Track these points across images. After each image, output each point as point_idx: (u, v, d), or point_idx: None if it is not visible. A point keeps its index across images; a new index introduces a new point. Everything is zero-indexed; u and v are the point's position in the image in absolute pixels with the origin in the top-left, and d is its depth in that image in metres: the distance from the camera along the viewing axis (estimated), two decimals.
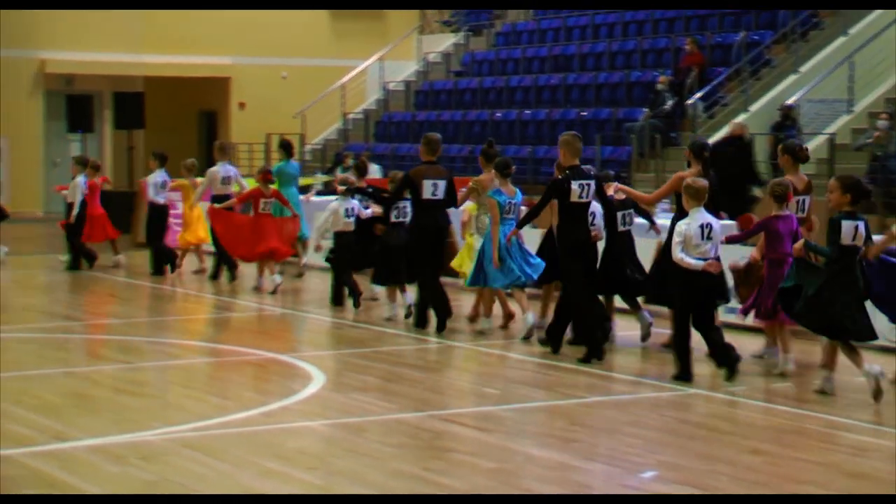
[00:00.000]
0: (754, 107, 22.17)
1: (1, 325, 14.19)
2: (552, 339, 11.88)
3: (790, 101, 20.96)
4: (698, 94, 22.41)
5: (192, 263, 18.34)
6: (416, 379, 11.03)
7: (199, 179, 18.07)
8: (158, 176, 18.30)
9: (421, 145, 13.40)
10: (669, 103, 22.39)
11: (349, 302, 14.78)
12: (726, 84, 22.83)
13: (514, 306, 13.34)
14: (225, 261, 17.29)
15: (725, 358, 10.59)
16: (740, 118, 21.45)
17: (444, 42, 31.31)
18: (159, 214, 18.32)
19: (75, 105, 28.06)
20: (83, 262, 18.76)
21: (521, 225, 12.16)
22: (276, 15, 30.99)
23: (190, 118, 32.16)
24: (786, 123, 20.42)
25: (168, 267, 18.12)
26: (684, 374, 10.56)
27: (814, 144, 19.62)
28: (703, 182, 10.74)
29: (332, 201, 15.03)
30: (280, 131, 29.70)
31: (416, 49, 31.63)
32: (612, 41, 26.35)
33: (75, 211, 18.50)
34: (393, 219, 13.80)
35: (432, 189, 12.95)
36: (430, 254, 13.03)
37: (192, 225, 18.15)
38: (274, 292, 16.08)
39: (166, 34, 30.16)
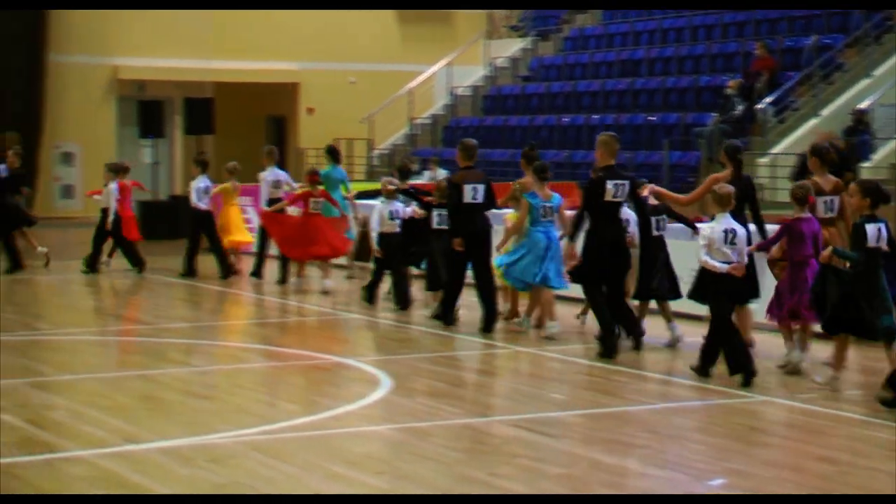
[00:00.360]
0: (826, 111, 21.97)
1: (73, 328, 14.40)
2: (603, 340, 11.94)
3: (862, 106, 20.74)
4: (769, 99, 22.24)
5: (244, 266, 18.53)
6: (483, 383, 11.03)
7: (238, 184, 18.59)
8: (201, 182, 18.56)
9: (458, 151, 13.72)
10: (739, 108, 22.24)
11: (413, 305, 14.84)
12: (797, 88, 22.64)
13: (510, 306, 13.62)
14: (261, 260, 17.90)
15: (741, 365, 10.61)
16: (811, 123, 21.28)
17: (512, 47, 31.31)
18: (201, 220, 18.51)
19: (147, 111, 28.39)
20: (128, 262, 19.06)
21: (573, 234, 12.09)
22: (344, 21, 31.18)
23: (258, 124, 32.41)
24: (858, 128, 20.21)
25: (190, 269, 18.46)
26: (704, 371, 10.78)
27: (887, 149, 19.41)
28: (729, 188, 10.92)
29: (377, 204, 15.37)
30: (348, 136, 29.92)
31: (483, 54, 31.65)
32: (680, 45, 26.22)
33: (111, 217, 18.77)
34: (436, 225, 14.02)
35: (472, 193, 13.28)
36: (472, 256, 13.26)
37: (237, 227, 18.48)
38: (325, 293, 16.44)
39: (236, 41, 30.44)
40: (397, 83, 30.31)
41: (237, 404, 10.14)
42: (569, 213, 12.96)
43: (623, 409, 9.96)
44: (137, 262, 18.97)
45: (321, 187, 16.93)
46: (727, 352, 10.65)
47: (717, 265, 10.56)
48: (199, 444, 8.51)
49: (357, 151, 30.03)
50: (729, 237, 10.61)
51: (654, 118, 23.84)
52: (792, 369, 11.11)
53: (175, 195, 19.92)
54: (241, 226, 18.74)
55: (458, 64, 30.86)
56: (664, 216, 12.60)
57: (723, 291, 10.63)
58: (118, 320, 15.54)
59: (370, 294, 15.40)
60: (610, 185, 11.71)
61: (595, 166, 12.14)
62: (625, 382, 10.95)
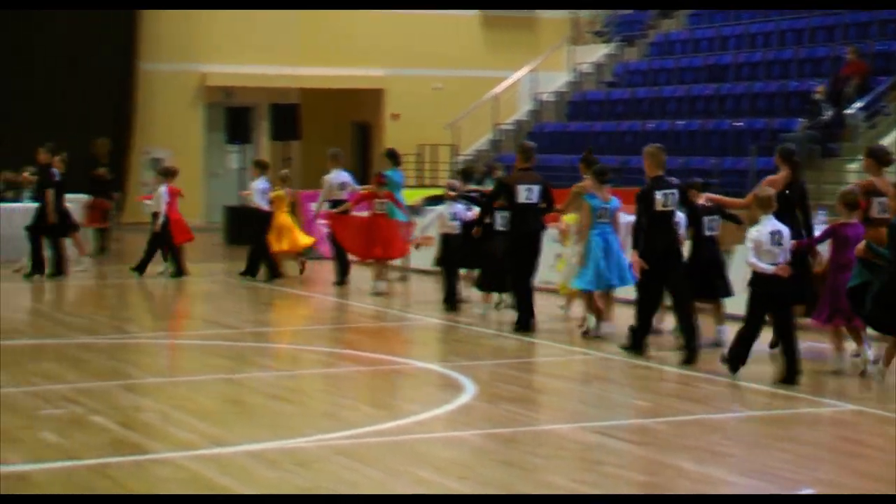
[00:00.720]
0: None
1: (161, 331, 14.60)
2: (687, 346, 12.00)
3: None
4: (859, 104, 21.92)
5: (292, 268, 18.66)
6: (566, 389, 11.00)
7: (291, 190, 19.04)
8: (261, 183, 18.81)
9: (517, 153, 14.16)
10: (827, 113, 21.95)
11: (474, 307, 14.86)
12: (889, 93, 22.29)
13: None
14: (340, 264, 18.11)
15: (790, 371, 10.81)
16: None
17: (597, 53, 31.20)
18: (262, 221, 18.70)
19: (234, 117, 28.72)
20: (186, 268, 19.23)
21: (636, 245, 12.10)
22: (429, 27, 31.29)
23: (344, 129, 32.62)
24: None
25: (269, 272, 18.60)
26: (734, 367, 10.97)
27: None
28: (770, 191, 11.16)
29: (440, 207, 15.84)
30: (432, 142, 30.02)
31: (567, 60, 31.57)
32: (767, 50, 25.96)
33: (161, 220, 18.97)
34: (498, 227, 14.24)
35: (527, 194, 13.57)
36: (526, 255, 13.58)
37: (290, 233, 18.71)
38: (379, 294, 16.89)
39: (322, 47, 30.68)
40: (482, 89, 30.33)
41: (322, 408, 10.21)
42: (625, 217, 13.24)
43: (708, 416, 9.88)
44: (179, 270, 19.13)
45: (386, 189, 17.29)
46: (787, 354, 10.83)
47: (765, 267, 10.70)
48: (285, 447, 8.59)
49: (441, 157, 30.11)
50: (775, 238, 10.80)
51: (740, 124, 23.61)
52: (858, 370, 11.19)
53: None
54: (292, 232, 18.83)
55: (542, 70, 30.81)
56: (716, 217, 12.75)
57: (770, 293, 10.75)
58: (204, 324, 15.70)
59: (448, 299, 15.51)
60: (659, 195, 12.03)
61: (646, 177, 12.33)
62: (710, 390, 10.85)
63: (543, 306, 14.75)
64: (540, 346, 13.18)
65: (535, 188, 13.62)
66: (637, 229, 12.13)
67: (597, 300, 13.41)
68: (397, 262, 18.65)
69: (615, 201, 13.35)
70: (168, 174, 19.58)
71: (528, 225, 13.59)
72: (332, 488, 7.55)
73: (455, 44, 31.71)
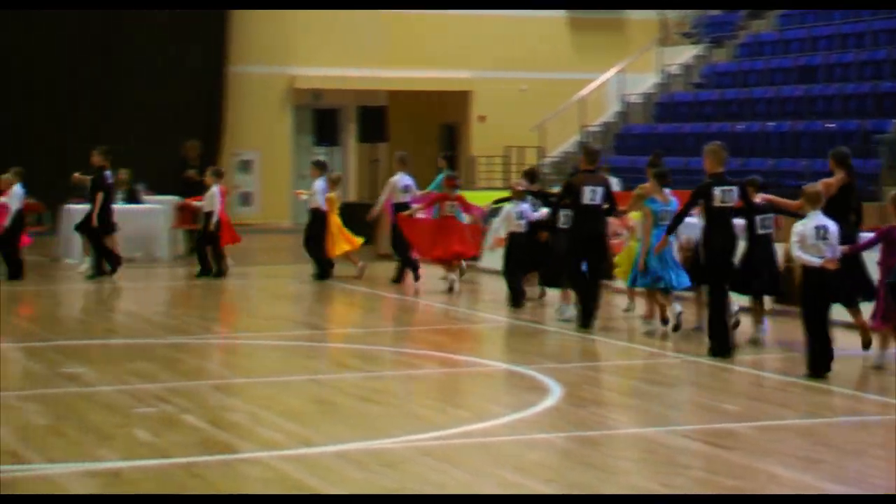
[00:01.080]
0: None
1: (250, 332, 14.75)
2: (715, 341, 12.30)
3: None
4: None
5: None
6: (654, 393, 10.93)
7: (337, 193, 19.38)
8: (320, 184, 19.10)
9: (582, 155, 14.69)
10: None
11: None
12: None
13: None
14: (409, 264, 18.38)
15: (820, 364, 11.09)
16: None
17: (685, 54, 30.95)
18: (321, 221, 18.97)
19: (322, 119, 28.93)
20: (215, 267, 19.46)
21: (670, 230, 12.86)
22: (516, 29, 31.28)
23: (431, 131, 32.71)
24: None
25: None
26: (815, 372, 11.09)
27: None
28: (817, 187, 11.46)
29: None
30: (519, 144, 29.99)
31: (655, 61, 31.36)
32: (860, 51, 25.57)
33: (214, 219, 19.22)
34: (562, 225, 14.64)
35: (591, 195, 13.96)
36: (588, 256, 13.95)
37: (341, 233, 19.09)
38: (451, 290, 17.36)
39: (410, 50, 30.81)
40: (569, 91, 30.24)
41: (409, 410, 10.25)
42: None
43: (799, 421, 9.75)
44: (206, 269, 19.32)
45: (458, 192, 17.86)
46: (811, 349, 11.12)
47: (811, 259, 10.97)
48: (372, 448, 8.63)
49: (528, 159, 30.07)
50: (820, 233, 11.02)
51: (832, 125, 23.28)
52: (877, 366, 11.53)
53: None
54: (343, 232, 19.21)
55: (630, 71, 30.65)
56: (770, 215, 13.09)
57: (818, 285, 11.00)
58: (292, 325, 15.84)
59: (513, 296, 15.92)
60: (717, 191, 12.24)
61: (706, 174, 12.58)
62: (800, 394, 10.72)
63: (621, 306, 14.86)
64: (628, 349, 13.11)
65: (599, 189, 14.01)
66: (676, 219, 12.62)
67: (657, 299, 13.78)
68: (463, 262, 18.70)
69: (675, 203, 13.55)
70: (220, 174, 19.89)
71: (591, 226, 13.98)
72: (418, 489, 7.57)
73: (542, 45, 31.66)
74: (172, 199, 22.76)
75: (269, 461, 8.21)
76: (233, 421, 9.60)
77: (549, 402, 10.19)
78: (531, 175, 16.88)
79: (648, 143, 26.92)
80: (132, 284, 18.96)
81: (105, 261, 19.26)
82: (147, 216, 22.16)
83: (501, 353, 12.86)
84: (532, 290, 16.46)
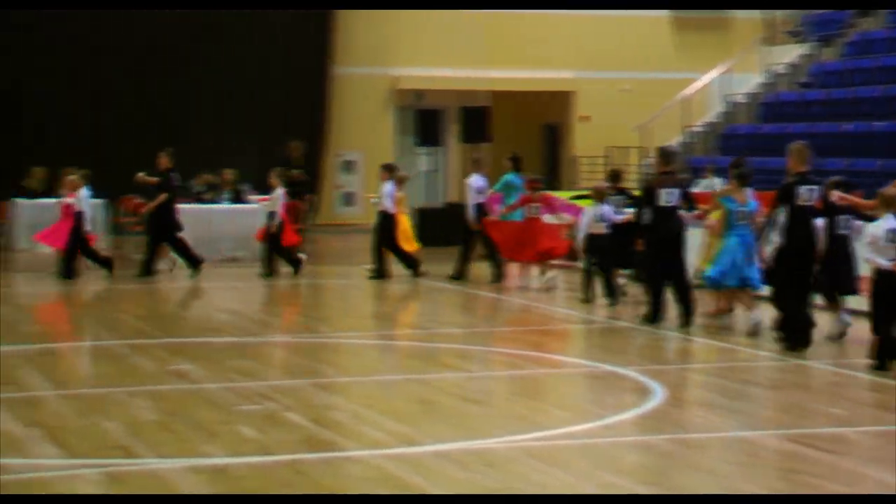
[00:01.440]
0: None
1: (353, 331, 14.86)
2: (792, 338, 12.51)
3: None
4: None
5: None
6: (758, 395, 10.81)
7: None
8: (389, 186, 19.40)
9: (657, 157, 15.00)
10: None
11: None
12: None
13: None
14: (495, 264, 18.72)
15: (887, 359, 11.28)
16: None
17: (791, 53, 30.52)
18: (391, 223, 19.22)
19: (424, 120, 29.05)
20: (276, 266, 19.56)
21: (759, 237, 13.03)
22: (619, 29, 31.12)
23: (533, 132, 32.67)
24: None
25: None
26: (882, 366, 11.32)
27: None
28: (893, 190, 11.66)
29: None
30: (621, 145, 29.82)
31: (761, 60, 30.98)
32: None
33: (276, 220, 19.40)
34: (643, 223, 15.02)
35: (667, 197, 14.23)
36: (665, 256, 14.20)
37: (407, 232, 19.50)
38: (548, 289, 17.56)
39: (512, 50, 30.81)
40: (672, 91, 30.00)
41: (511, 410, 10.25)
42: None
43: None
44: (270, 271, 19.43)
45: (541, 193, 18.32)
46: (880, 349, 11.29)
47: (881, 262, 11.15)
48: (475, 448, 8.65)
49: (631, 160, 29.90)
50: (889, 236, 11.17)
51: None
52: None
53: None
54: (408, 232, 19.59)
55: (734, 71, 30.31)
56: (848, 216, 13.15)
57: (888, 287, 11.14)
58: (395, 325, 15.93)
59: (586, 294, 16.31)
60: (802, 189, 12.50)
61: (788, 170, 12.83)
62: None
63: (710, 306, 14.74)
64: (730, 351, 12.97)
65: (675, 191, 14.28)
66: (766, 225, 12.84)
67: (729, 298, 14.11)
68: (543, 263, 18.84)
69: (753, 203, 13.84)
70: (284, 177, 20.20)
71: (667, 226, 14.22)
72: (520, 489, 7.57)
73: (645, 45, 31.45)
74: None
75: (372, 460, 8.27)
76: (336, 419, 9.68)
77: (650, 404, 10.11)
78: (615, 176, 17.22)
79: (753, 143, 26.59)
80: (237, 283, 19.20)
81: (150, 262, 19.36)
82: (251, 216, 22.41)
83: (602, 354, 12.79)
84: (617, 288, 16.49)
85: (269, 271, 19.47)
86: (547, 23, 31.13)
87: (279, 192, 19.66)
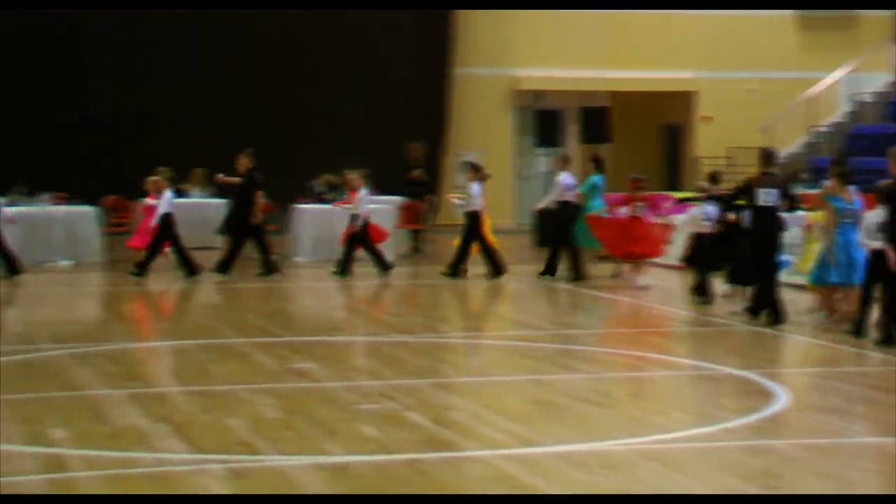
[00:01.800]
0: None
1: (472, 332, 14.91)
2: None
3: None
4: None
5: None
6: (886, 401, 10.59)
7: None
8: (476, 186, 19.26)
9: (758, 158, 15.14)
10: None
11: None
12: None
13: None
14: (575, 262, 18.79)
15: None
16: None
17: None
18: (480, 222, 19.27)
19: (543, 120, 28.98)
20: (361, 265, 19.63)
21: (893, 240, 12.84)
22: (742, 28, 30.71)
23: (652, 132, 32.41)
24: None
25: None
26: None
27: None
28: (885, 185, 12.36)
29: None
30: (744, 145, 29.38)
31: (889, 59, 30.35)
32: None
33: (360, 221, 19.43)
34: (744, 225, 15.09)
35: (765, 196, 14.39)
36: (763, 254, 14.38)
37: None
38: (642, 289, 17.64)
39: (633, 50, 30.59)
40: (797, 90, 29.55)
41: (630, 412, 10.20)
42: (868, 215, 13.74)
43: None
44: (385, 266, 19.46)
45: (643, 192, 18.40)
46: None
47: (874, 244, 12.07)
48: (593, 450, 8.62)
49: (754, 161, 29.48)
50: (879, 226, 12.01)
51: None
52: None
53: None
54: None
55: (862, 70, 29.74)
56: None
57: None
58: (513, 325, 15.94)
59: (700, 294, 16.32)
60: None
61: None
62: None
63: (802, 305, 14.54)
64: (856, 355, 12.73)
65: (774, 191, 14.41)
66: (885, 227, 12.90)
67: (835, 297, 14.13)
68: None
69: (858, 202, 13.94)
70: (368, 178, 20.22)
71: (766, 226, 14.40)
72: (640, 492, 7.52)
73: (770, 45, 30.97)
74: (397, 200, 23.16)
75: (491, 460, 8.29)
76: (455, 419, 9.72)
77: (775, 408, 9.97)
78: (714, 177, 17.47)
79: (881, 143, 25.99)
80: (358, 283, 19.37)
81: (267, 261, 19.43)
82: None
83: (721, 356, 12.65)
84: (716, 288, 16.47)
85: (343, 270, 19.46)
86: (668, 22, 30.85)
87: (363, 192, 19.80)
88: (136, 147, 26.88)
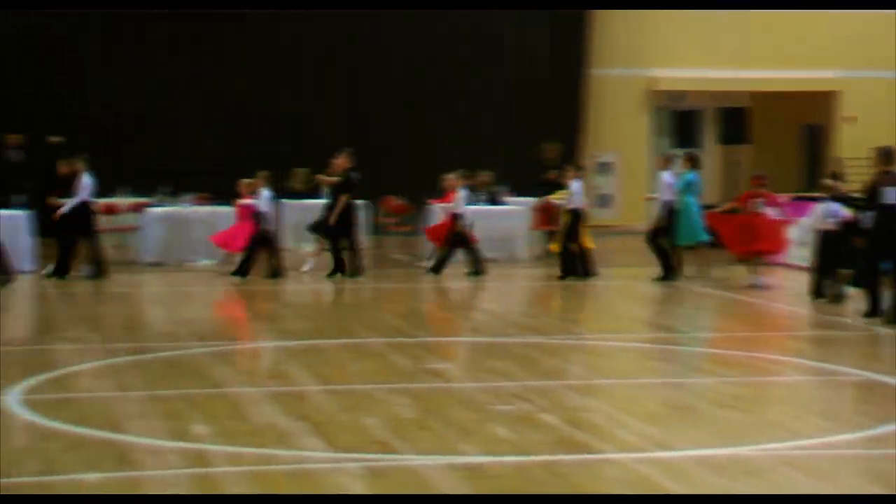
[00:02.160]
0: None
1: (606, 334, 14.84)
2: None
3: None
4: None
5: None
6: None
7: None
8: (577, 184, 19.37)
9: (877, 156, 14.95)
10: None
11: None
12: None
13: None
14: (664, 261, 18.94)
15: None
16: None
17: None
18: (580, 219, 19.29)
19: (681, 121, 28.72)
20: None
21: None
22: (885, 27, 30.03)
23: (792, 133, 31.87)
24: None
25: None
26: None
27: None
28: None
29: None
30: (889, 145, 28.70)
31: None
32: None
33: (465, 221, 19.57)
34: (865, 226, 15.10)
35: (888, 195, 14.33)
36: (890, 253, 14.38)
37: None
38: (758, 288, 17.72)
39: (773, 50, 30.12)
40: None
41: (770, 417, 10.05)
42: None
43: None
44: (479, 270, 19.53)
45: (764, 189, 18.40)
46: None
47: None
48: (731, 454, 8.52)
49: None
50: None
51: None
52: None
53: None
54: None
55: None
56: None
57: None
58: (650, 327, 15.82)
59: (822, 295, 16.25)
60: None
61: None
62: None
63: None
64: None
65: (894, 190, 14.36)
66: None
67: None
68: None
69: None
70: (467, 178, 20.42)
71: (890, 225, 14.32)
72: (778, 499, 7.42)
73: None
74: (532, 201, 23.16)
75: (627, 463, 8.25)
76: (590, 421, 9.69)
77: None
78: (836, 175, 17.50)
79: None
80: (493, 284, 19.41)
81: (356, 261, 19.44)
82: (507, 217, 22.66)
83: (869, 363, 12.37)
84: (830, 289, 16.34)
85: (437, 268, 19.64)
86: (807, 21, 30.30)
87: (462, 193, 19.81)
88: (136, 147, 27.02)
